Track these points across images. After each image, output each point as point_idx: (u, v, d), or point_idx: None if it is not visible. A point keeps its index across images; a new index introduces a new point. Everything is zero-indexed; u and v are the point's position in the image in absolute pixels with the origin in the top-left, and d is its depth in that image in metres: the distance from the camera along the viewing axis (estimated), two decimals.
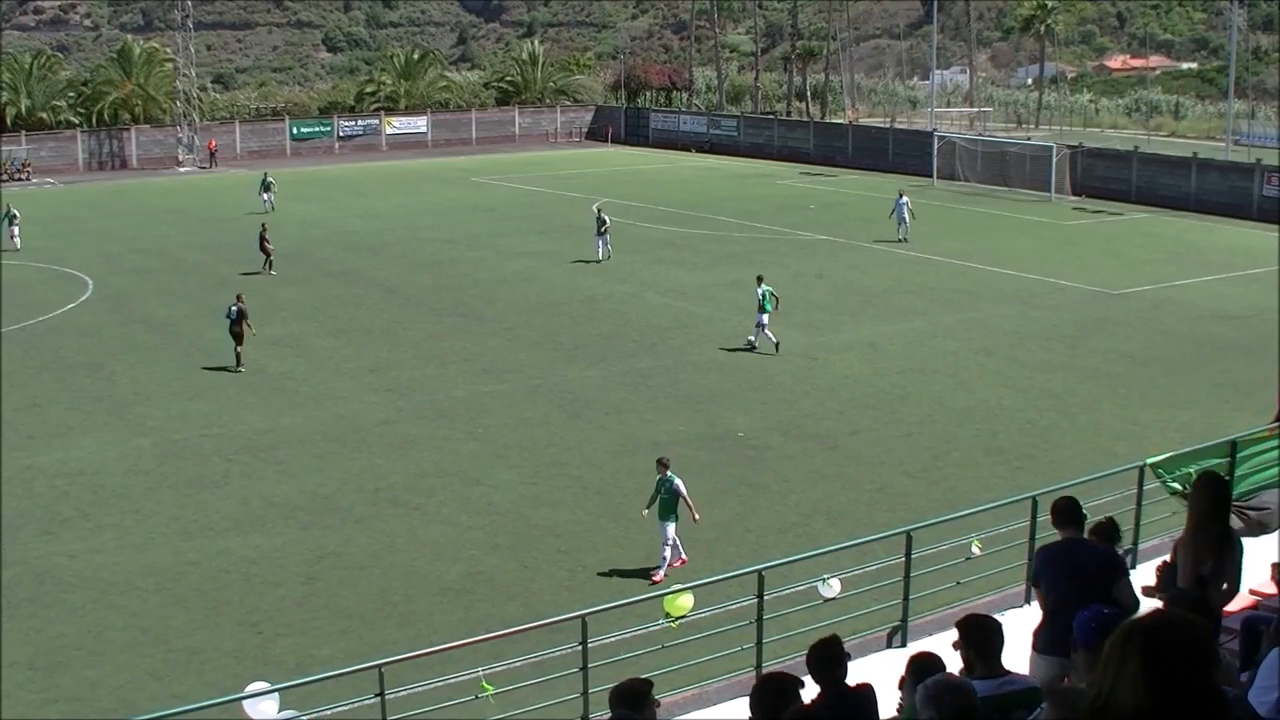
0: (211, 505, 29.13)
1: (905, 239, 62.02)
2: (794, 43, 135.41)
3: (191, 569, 25.65)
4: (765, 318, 41.80)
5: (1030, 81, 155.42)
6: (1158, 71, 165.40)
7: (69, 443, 33.79)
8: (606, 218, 58.50)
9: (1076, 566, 12.42)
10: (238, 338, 40.87)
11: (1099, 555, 12.79)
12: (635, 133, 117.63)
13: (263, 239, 56.73)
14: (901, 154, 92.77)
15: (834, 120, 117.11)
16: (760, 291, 42.00)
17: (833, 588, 19.59)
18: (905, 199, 63.48)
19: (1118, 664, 4.67)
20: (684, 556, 25.31)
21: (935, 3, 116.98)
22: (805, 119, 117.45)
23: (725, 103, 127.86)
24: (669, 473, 25.29)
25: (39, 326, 47.00)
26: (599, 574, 25.02)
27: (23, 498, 29.76)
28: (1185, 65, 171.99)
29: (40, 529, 27.89)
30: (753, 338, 42.43)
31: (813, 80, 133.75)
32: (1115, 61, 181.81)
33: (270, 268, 56.23)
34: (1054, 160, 78.30)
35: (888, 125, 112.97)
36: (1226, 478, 12.25)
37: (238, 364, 40.68)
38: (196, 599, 24.23)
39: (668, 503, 25.09)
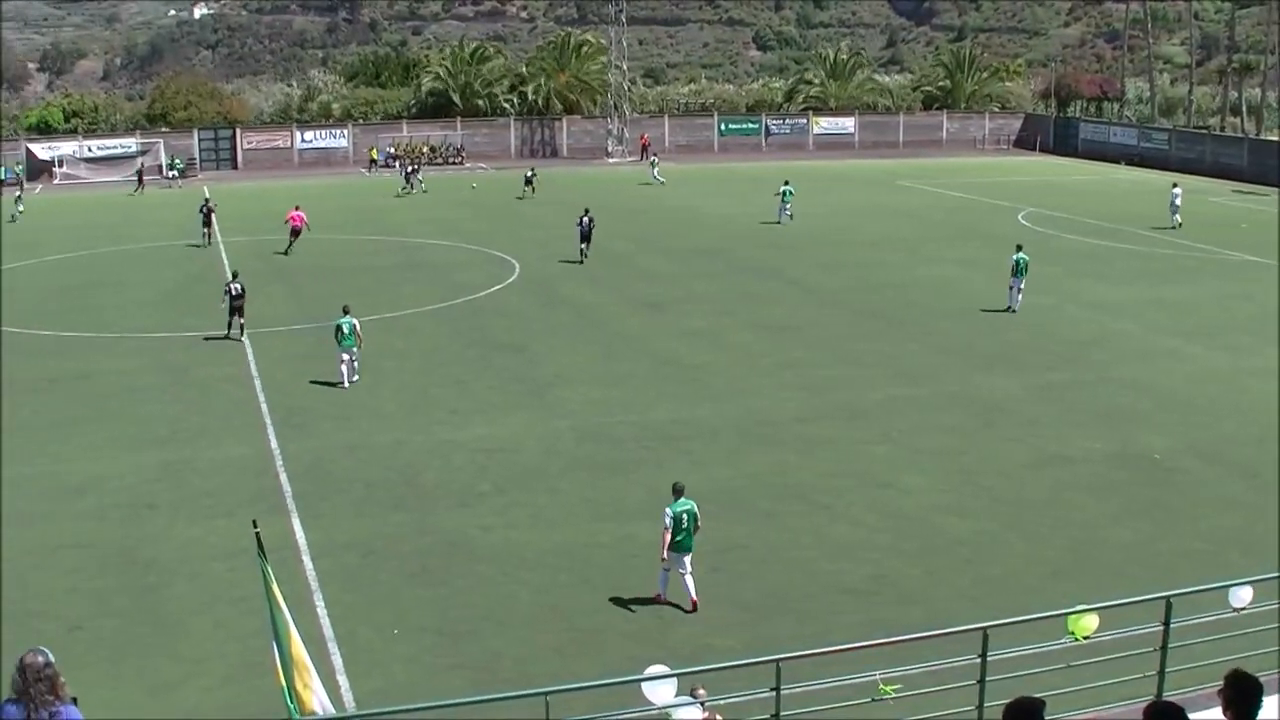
0: (622, 490, 29.56)
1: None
2: (1230, 56, 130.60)
3: (600, 550, 26.02)
4: (1020, 282, 48.21)
5: None
6: None
7: (490, 420, 34.86)
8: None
9: None
10: (238, 311, 43.97)
11: None
12: (1063, 142, 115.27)
13: (209, 213, 64.84)
14: None
15: (1269, 138, 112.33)
16: (1014, 259, 48.27)
17: (1242, 598, 18.57)
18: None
19: None
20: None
21: None
22: (1240, 135, 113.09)
23: (1157, 115, 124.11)
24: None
25: (465, 306, 48.73)
26: (1002, 586, 24.35)
27: (442, 470, 30.82)
28: None
29: (457, 501, 28.79)
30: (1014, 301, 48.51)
31: (1248, 95, 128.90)
32: None
33: (208, 239, 64.38)
34: None
35: None
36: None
37: (230, 332, 44.08)
38: (602, 579, 24.50)
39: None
